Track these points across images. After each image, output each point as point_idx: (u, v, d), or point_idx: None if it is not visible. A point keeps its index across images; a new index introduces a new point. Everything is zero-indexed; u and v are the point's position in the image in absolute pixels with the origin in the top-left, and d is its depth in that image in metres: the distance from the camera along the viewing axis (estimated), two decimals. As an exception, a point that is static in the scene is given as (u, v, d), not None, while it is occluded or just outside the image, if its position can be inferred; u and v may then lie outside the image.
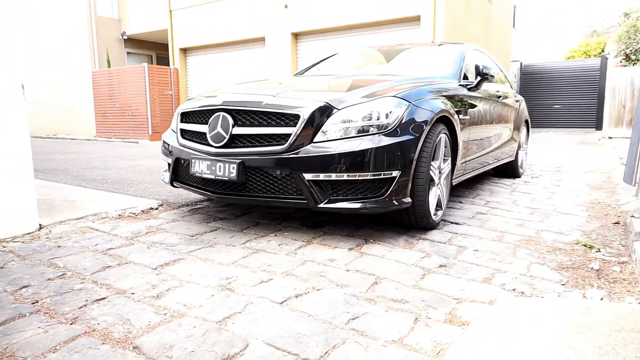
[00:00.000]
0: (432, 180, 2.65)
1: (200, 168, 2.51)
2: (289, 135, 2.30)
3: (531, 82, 15.72)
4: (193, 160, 2.55)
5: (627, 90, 10.45)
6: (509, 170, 4.96)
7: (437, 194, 2.72)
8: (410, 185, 2.39)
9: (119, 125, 12.65)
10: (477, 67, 3.40)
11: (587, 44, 25.82)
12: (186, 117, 2.78)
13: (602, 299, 1.80)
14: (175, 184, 2.85)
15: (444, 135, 2.71)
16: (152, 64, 14.99)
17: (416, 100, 2.47)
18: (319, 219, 2.90)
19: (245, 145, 2.42)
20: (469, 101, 3.22)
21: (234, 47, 11.67)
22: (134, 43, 14.40)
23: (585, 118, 14.97)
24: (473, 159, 3.43)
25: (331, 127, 2.29)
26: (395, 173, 2.30)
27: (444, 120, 2.75)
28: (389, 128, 2.31)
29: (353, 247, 2.35)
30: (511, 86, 5.01)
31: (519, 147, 4.97)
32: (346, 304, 1.68)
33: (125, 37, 13.91)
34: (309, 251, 2.28)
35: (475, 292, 1.83)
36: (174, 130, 2.91)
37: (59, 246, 2.33)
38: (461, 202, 3.60)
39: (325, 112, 2.31)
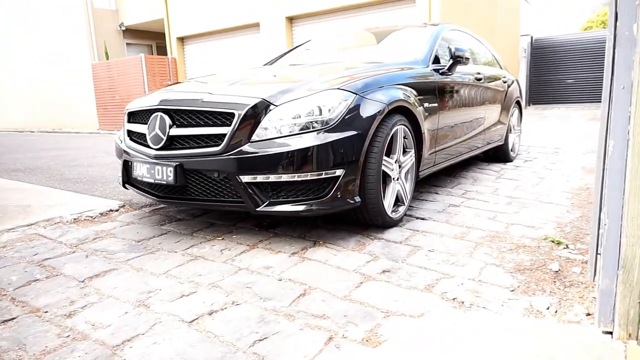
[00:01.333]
0: (388, 176, 2.49)
1: (141, 171, 2.40)
2: (224, 135, 2.16)
3: (543, 57, 15.13)
4: (134, 163, 2.45)
5: (639, 62, 9.93)
6: (500, 155, 4.74)
7: (395, 189, 2.56)
8: (358, 183, 2.24)
9: (120, 118, 12.66)
10: (450, 50, 3.18)
11: (604, 13, 24.74)
12: (132, 116, 2.67)
13: (548, 308, 1.64)
14: (126, 186, 2.76)
15: (402, 126, 2.54)
16: (152, 54, 14.93)
17: (364, 92, 2.29)
18: (276, 219, 2.78)
19: (183, 146, 2.30)
20: (439, 87, 3.02)
21: (230, 34, 11.48)
22: (133, 34, 14.31)
23: (599, 93, 14.38)
24: (446, 147, 3.24)
25: (269, 125, 2.14)
26: (339, 172, 2.15)
27: (403, 110, 2.57)
28: (331, 123, 2.15)
29: (297, 251, 2.22)
30: (501, 67, 4.75)
31: (510, 130, 4.73)
32: (260, 321, 1.56)
33: (123, 28, 13.83)
34: (248, 257, 2.16)
35: (409, 303, 1.69)
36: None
37: (-4, 257, 2.27)
38: (437, 193, 3.43)
39: (262, 109, 2.16)
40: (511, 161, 4.85)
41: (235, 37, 11.46)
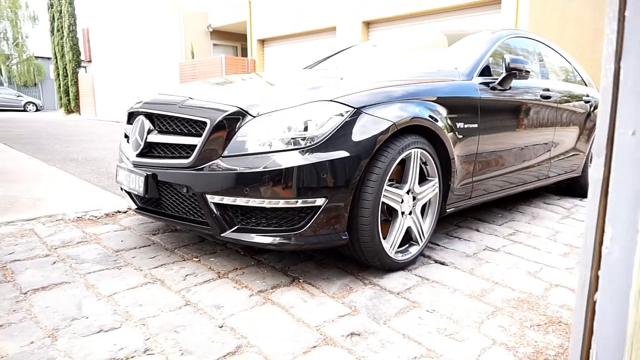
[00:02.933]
0: (394, 209, 2.05)
1: (121, 177, 2.23)
2: (194, 146, 1.89)
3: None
4: (118, 168, 2.28)
5: None
6: (575, 188, 3.97)
7: (403, 226, 2.10)
8: (346, 216, 1.84)
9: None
10: (504, 60, 2.62)
11: None
12: (129, 117, 2.52)
13: None
14: (123, 188, 2.62)
15: (419, 150, 2.08)
16: (237, 55, 15.44)
17: (367, 106, 1.88)
18: (272, 242, 2.45)
19: (159, 155, 2.07)
20: (482, 104, 2.49)
21: (307, 37, 11.41)
22: (220, 35, 14.91)
23: None
24: (489, 177, 2.68)
25: (244, 138, 1.82)
26: (320, 201, 1.77)
27: (422, 130, 2.11)
28: (316, 141, 1.77)
29: (266, 289, 1.88)
30: (586, 83, 3.97)
31: (590, 159, 3.94)
32: (156, 387, 1.25)
33: (210, 30, 14.45)
34: (207, 290, 1.86)
35: (359, 390, 1.27)
36: (129, 131, 2.67)
37: (-25, 252, 2.22)
38: (477, 230, 2.87)
39: (238, 119, 1.85)
40: (587, 196, 4.03)
41: (313, 40, 11.38)
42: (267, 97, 1.93)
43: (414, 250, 2.18)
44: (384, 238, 2.01)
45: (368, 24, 9.85)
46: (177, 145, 1.98)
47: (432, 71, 2.47)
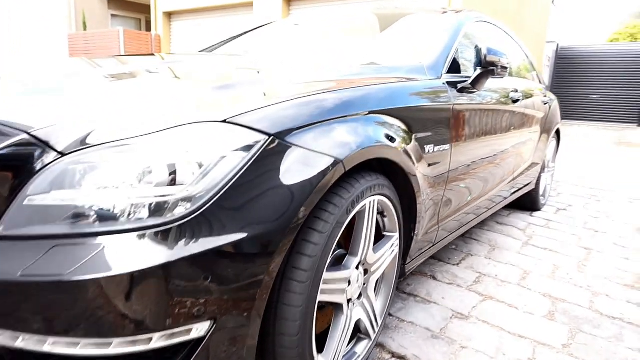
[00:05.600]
0: (337, 304, 1.24)
1: None
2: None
3: (567, 68, 13.73)
4: None
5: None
6: (526, 202, 3.47)
7: (350, 324, 1.30)
8: (253, 343, 0.98)
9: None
10: (477, 51, 1.88)
11: (634, 26, 23.28)
12: None
13: None
14: None
15: (378, 197, 1.27)
16: (141, 29, 13.60)
17: (293, 131, 1.02)
18: None
19: None
20: (455, 114, 1.74)
21: (221, 12, 10.15)
22: (120, 4, 12.95)
23: (626, 112, 13.00)
24: (457, 213, 1.97)
25: (42, 200, 0.87)
26: (202, 328, 0.89)
27: (377, 163, 1.31)
28: (193, 207, 0.87)
29: None
30: (540, 80, 3.45)
31: (543, 168, 3.46)
32: None
33: (108, -3, 12.48)
34: None
35: None
36: None
37: None
38: (434, 278, 2.17)
39: (31, 156, 0.89)
40: (540, 209, 3.58)
41: (227, 16, 10.14)
42: (102, 111, 0.98)
43: (362, 349, 1.39)
44: (320, 352, 1.19)
45: (289, 1, 8.87)
46: None
47: (388, 65, 1.66)
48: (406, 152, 1.36)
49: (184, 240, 0.85)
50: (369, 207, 1.25)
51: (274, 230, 0.94)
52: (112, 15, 12.94)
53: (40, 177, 0.87)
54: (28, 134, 0.89)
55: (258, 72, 1.40)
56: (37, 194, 0.86)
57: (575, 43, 15.24)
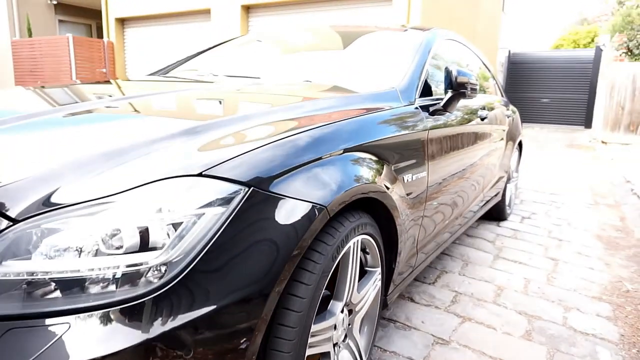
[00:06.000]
0: (323, 353, 1.17)
1: None
2: None
3: (519, 73, 14.33)
4: None
5: (627, 89, 9.13)
6: (493, 212, 3.53)
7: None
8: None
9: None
10: (448, 73, 1.86)
11: (576, 32, 24.63)
12: None
13: None
14: None
15: (361, 237, 1.22)
16: (92, 36, 13.03)
17: (272, 179, 0.94)
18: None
19: None
20: (430, 140, 1.72)
21: (178, 19, 9.86)
22: (67, 9, 12.34)
23: (574, 114, 13.72)
24: (434, 237, 1.95)
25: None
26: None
27: (358, 202, 1.26)
28: (168, 277, 0.78)
29: None
30: (502, 94, 3.53)
31: (508, 179, 3.53)
32: None
33: (54, 2, 11.86)
34: None
35: None
36: None
37: None
38: (412, 300, 2.15)
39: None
40: (506, 219, 3.66)
41: (184, 24, 9.87)
42: (60, 165, 0.87)
43: (348, 392, 1.33)
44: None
45: (248, 9, 8.75)
46: None
47: (362, 94, 1.61)
48: (387, 187, 1.31)
49: (160, 314, 0.76)
50: (353, 249, 1.19)
51: (259, 290, 0.86)
52: (60, 21, 12.31)
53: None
54: (-31, 198, 0.77)
55: (225, 107, 1.31)
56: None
57: (525, 49, 15.95)
